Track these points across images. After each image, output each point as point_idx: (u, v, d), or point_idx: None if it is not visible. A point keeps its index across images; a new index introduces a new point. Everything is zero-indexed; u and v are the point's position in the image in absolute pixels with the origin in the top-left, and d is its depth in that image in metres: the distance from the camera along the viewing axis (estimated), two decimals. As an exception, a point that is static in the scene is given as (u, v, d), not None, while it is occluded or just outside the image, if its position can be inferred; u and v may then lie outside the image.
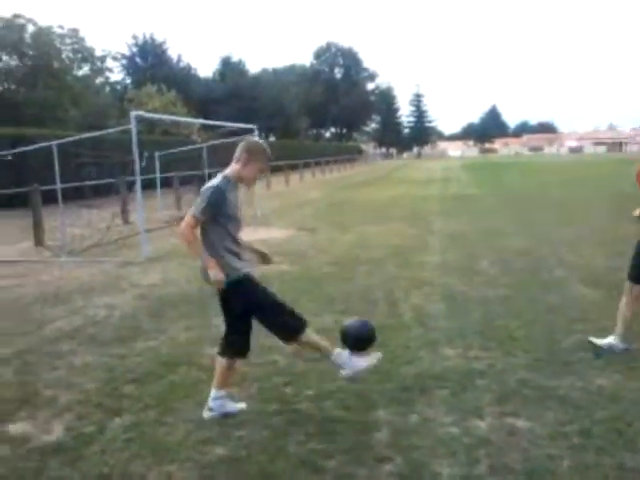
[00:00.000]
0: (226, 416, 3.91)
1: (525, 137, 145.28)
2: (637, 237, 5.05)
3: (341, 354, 3.85)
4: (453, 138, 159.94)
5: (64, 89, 38.43)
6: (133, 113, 11.00)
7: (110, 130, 17.34)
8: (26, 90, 37.23)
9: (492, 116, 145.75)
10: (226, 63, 75.99)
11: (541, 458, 3.30)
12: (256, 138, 3.99)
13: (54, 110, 36.05)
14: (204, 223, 3.69)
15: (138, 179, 10.56)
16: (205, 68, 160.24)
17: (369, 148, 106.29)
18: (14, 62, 38.46)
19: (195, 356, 5.09)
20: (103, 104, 42.98)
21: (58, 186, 11.71)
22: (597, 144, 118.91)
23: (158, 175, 17.27)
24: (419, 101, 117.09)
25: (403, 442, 3.53)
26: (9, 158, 15.70)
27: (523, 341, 5.17)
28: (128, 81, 64.49)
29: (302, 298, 6.90)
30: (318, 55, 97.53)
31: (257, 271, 3.96)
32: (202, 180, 18.21)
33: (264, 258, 4.19)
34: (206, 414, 3.92)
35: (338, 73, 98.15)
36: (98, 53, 46.35)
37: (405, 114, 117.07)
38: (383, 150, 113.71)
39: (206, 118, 28.14)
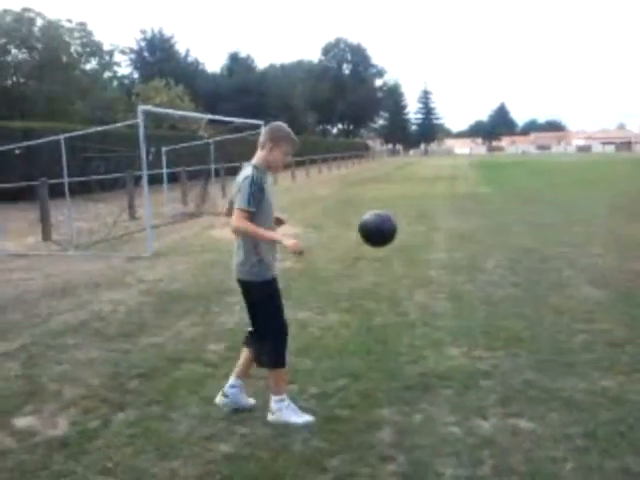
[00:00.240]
0: (236, 410, 3.92)
1: (533, 135, 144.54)
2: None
3: (283, 403, 3.79)
4: (461, 136, 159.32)
5: (72, 83, 38.56)
6: (140, 107, 11.02)
7: (117, 124, 17.37)
8: (34, 84, 37.37)
9: (500, 114, 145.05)
10: (234, 58, 75.97)
11: (544, 460, 3.30)
12: (279, 122, 3.92)
13: (62, 104, 36.18)
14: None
15: (145, 174, 10.58)
16: (213, 63, 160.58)
17: (376, 145, 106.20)
18: (23, 55, 38.60)
19: (200, 352, 5.11)
20: (111, 98, 43.08)
21: (65, 180, 11.75)
22: (605, 143, 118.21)
23: (165, 170, 17.29)
24: (427, 98, 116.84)
25: (406, 441, 3.53)
26: (17, 152, 15.76)
27: (528, 341, 5.16)
28: (136, 75, 64.56)
29: (306, 295, 6.91)
30: (326, 51, 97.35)
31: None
32: (209, 175, 18.27)
33: (278, 221, 4.07)
34: (219, 399, 3.93)
35: (346, 69, 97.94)
36: (106, 47, 46.57)
37: (413, 111, 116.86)
38: (390, 147, 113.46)
39: (213, 113, 28.11)
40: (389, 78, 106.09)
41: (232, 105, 61.78)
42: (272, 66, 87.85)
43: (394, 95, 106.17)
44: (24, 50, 38.25)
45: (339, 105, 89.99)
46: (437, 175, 34.56)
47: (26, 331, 5.87)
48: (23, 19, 37.35)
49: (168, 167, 18.04)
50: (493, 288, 7.06)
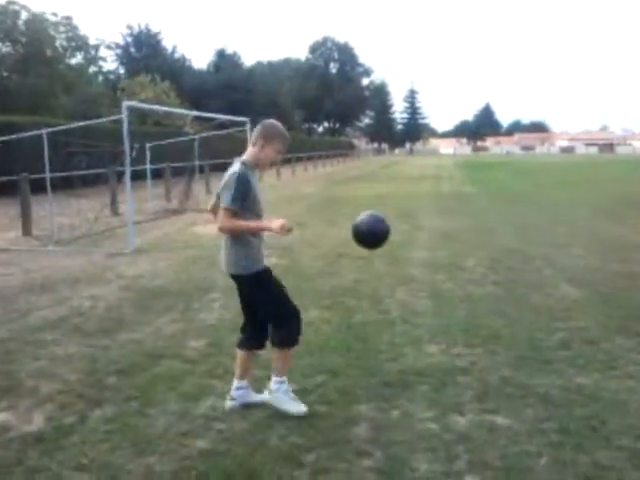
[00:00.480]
0: (247, 406, 3.92)
1: (517, 136, 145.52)
2: (624, 238, 5.04)
3: (282, 387, 3.84)
4: (446, 135, 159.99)
5: (57, 77, 38.18)
6: (125, 103, 10.94)
7: (101, 119, 17.23)
8: (18, 77, 36.94)
9: (485, 114, 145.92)
10: (221, 55, 75.65)
11: (519, 455, 3.33)
12: (272, 120, 3.90)
13: (46, 98, 35.79)
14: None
15: (128, 170, 10.51)
16: (200, 60, 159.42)
17: (361, 143, 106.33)
18: (7, 49, 38.16)
19: (179, 348, 5.10)
20: (96, 93, 42.73)
21: (47, 175, 11.64)
22: (589, 144, 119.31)
23: (149, 166, 17.19)
24: (413, 98, 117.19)
25: (383, 437, 3.55)
26: (-2, 146, 15.59)
27: (506, 339, 5.20)
28: (122, 71, 64.14)
29: (288, 292, 6.90)
30: (314, 49, 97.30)
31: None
32: (193, 172, 18.20)
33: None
34: (228, 404, 3.94)
35: (333, 68, 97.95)
36: (92, 42, 46.12)
37: (399, 110, 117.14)
38: (375, 146, 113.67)
39: (199, 110, 28.01)
40: (376, 77, 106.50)
41: (218, 102, 61.55)
42: (259, 63, 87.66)
43: (380, 94, 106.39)
44: (8, 43, 37.79)
45: (326, 103, 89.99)
46: (422, 174, 34.70)
47: (4, 326, 5.82)
48: (7, 12, 36.90)
49: (152, 163, 17.95)
50: (473, 287, 7.11)
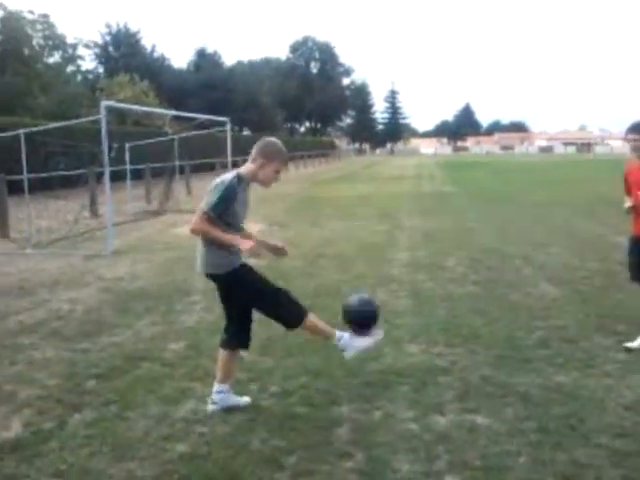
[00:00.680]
0: (229, 410, 3.89)
1: (497, 136, 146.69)
2: (603, 237, 5.11)
3: (343, 337, 3.84)
4: (427, 135, 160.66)
5: (34, 76, 37.71)
6: (103, 103, 10.85)
7: (79, 120, 17.07)
8: (-6, 76, 36.41)
9: (465, 114, 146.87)
10: (201, 54, 75.29)
11: (499, 454, 3.36)
12: (273, 139, 3.92)
13: (23, 98, 35.33)
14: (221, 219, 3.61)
15: (107, 170, 10.42)
16: (179, 59, 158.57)
17: (343, 143, 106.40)
18: (-18, 48, 37.58)
19: (159, 351, 5.06)
20: (74, 93, 42.26)
21: (25, 176, 11.49)
22: (567, 144, 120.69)
23: (128, 167, 17.05)
24: (394, 98, 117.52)
25: (364, 438, 3.56)
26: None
27: (486, 338, 5.24)
28: (100, 70, 63.52)
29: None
30: (294, 49, 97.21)
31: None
32: (173, 172, 18.08)
33: (279, 251, 4.19)
34: (209, 407, 3.91)
35: (314, 68, 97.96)
36: (70, 41, 45.62)
37: (379, 110, 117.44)
38: (356, 146, 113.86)
39: (179, 109, 27.90)
40: (356, 77, 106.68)
41: (198, 101, 61.29)
42: (239, 63, 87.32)
43: (361, 94, 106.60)
44: (-17, 42, 37.25)
45: (307, 103, 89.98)
46: (402, 174, 34.85)
47: (-20, 331, 5.72)
48: (-18, 10, 36.38)
49: (132, 164, 17.80)
50: (454, 286, 7.15)
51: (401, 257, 9.08)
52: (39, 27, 41.65)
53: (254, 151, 3.78)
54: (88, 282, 7.78)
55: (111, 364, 4.77)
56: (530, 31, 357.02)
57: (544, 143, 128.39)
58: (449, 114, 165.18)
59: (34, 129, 12.81)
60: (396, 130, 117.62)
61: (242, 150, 31.63)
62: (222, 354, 3.95)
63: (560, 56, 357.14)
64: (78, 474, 3.23)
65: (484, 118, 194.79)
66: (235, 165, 23.44)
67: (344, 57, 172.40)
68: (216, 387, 3.94)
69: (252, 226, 12.73)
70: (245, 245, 3.55)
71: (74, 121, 16.40)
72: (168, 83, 61.79)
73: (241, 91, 71.10)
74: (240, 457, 3.36)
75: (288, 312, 3.78)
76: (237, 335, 3.92)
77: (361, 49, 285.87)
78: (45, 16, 42.02)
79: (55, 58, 45.52)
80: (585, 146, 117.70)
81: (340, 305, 6.32)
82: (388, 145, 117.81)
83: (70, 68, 49.68)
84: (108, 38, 65.54)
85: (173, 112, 18.74)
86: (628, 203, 5.01)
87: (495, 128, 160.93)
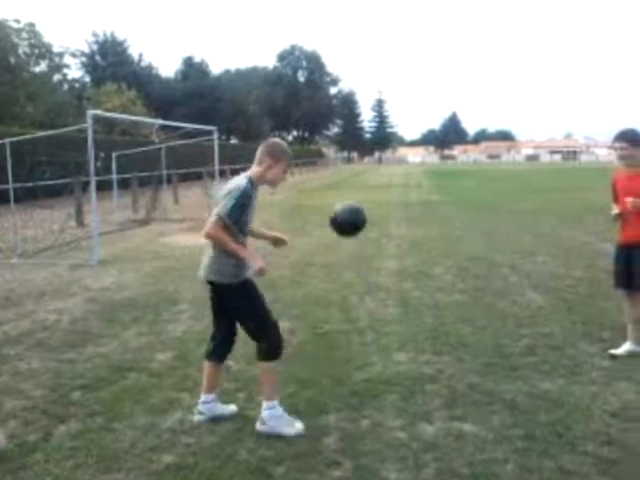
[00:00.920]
0: (216, 420, 3.88)
1: (483, 144, 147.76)
2: (589, 245, 5.15)
3: (274, 409, 3.75)
4: (414, 144, 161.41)
5: (20, 85, 37.47)
6: (89, 112, 10.82)
7: (66, 129, 16.98)
8: (-20, 85, 36.17)
9: (452, 123, 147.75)
10: (188, 63, 75.38)
11: (486, 462, 3.37)
12: (277, 139, 3.97)
13: (9, 106, 35.11)
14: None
15: (93, 180, 10.37)
16: (167, 68, 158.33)
17: (330, 152, 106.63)
18: (-33, 56, 37.33)
19: (146, 362, 5.03)
20: (60, 102, 42.05)
21: (10, 185, 11.41)
22: (553, 152, 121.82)
23: (115, 176, 16.99)
24: (381, 107, 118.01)
25: (352, 447, 3.55)
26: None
27: (473, 346, 5.26)
28: (87, 79, 63.37)
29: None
30: (282, 57, 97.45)
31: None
32: (160, 181, 18.04)
33: (279, 241, 4.19)
34: (196, 418, 3.89)
35: (301, 76, 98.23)
36: (56, 49, 45.38)
37: (367, 119, 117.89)
38: (344, 154, 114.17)
39: (166, 118, 27.87)
40: (344, 86, 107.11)
41: (186, 110, 61.34)
42: (227, 71, 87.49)
43: (349, 103, 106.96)
44: (-31, 51, 37.00)
45: (294, 112, 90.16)
46: (390, 183, 34.97)
47: (-35, 342, 5.66)
48: (-33, 19, 36.17)
49: (119, 173, 17.75)
50: (441, 294, 7.18)
51: (389, 266, 9.11)
52: (25, 36, 41.41)
53: (260, 153, 3.79)
54: (74, 292, 7.72)
55: (97, 375, 4.73)
56: (516, 41, 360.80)
57: (530, 151, 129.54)
58: (436, 123, 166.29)
59: (20, 138, 12.73)
60: (384, 139, 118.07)
61: (230, 159, 31.70)
62: (207, 365, 3.95)
63: (546, 65, 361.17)
64: (63, 486, 3.19)
65: (471, 127, 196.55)
66: (222, 174, 23.33)
67: (331, 66, 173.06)
68: (202, 397, 3.93)
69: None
70: (258, 264, 3.56)
71: (60, 130, 16.30)
72: (155, 92, 61.81)
73: (228, 100, 71.24)
74: (227, 467, 3.34)
75: (271, 342, 3.75)
76: (223, 345, 3.93)
77: (348, 58, 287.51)
78: (31, 25, 41.78)
79: (41, 67, 45.24)
80: (571, 154, 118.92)
81: (327, 314, 6.37)
82: (376, 154, 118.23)
83: (56, 77, 49.39)
84: (95, 47, 65.54)
85: (160, 121, 18.69)
86: (615, 211, 5.06)
87: (482, 137, 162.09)
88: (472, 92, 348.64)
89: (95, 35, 65.50)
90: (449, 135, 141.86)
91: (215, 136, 16.01)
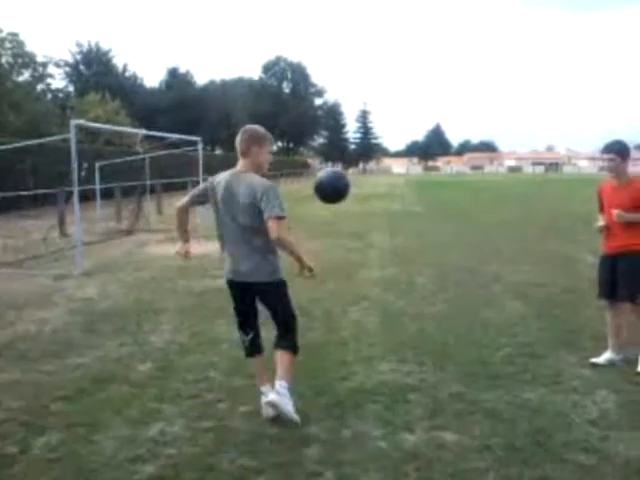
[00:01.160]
0: (197, 430, 3.86)
1: (467, 156, 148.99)
2: (571, 255, 5.21)
3: (290, 392, 3.91)
4: (398, 155, 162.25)
5: (3, 94, 37.18)
6: (73, 122, 10.77)
7: (49, 138, 16.89)
8: (-38, 95, 35.86)
9: (436, 134, 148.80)
10: (173, 74, 75.30)
11: (467, 471, 3.38)
12: (251, 126, 4.01)
13: (-8, 116, 34.82)
14: (257, 221, 3.72)
15: (76, 190, 10.32)
16: (152, 78, 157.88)
17: (315, 163, 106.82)
18: (-51, 65, 37.03)
19: (128, 372, 4.99)
20: (44, 111, 41.77)
21: (-9, 195, 11.32)
22: (535, 164, 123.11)
23: (98, 186, 16.90)
24: (365, 118, 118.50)
25: (334, 457, 3.55)
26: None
27: (455, 356, 5.29)
28: (71, 89, 63.08)
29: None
30: (267, 68, 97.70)
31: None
32: (143, 191, 17.96)
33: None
34: (271, 411, 3.96)
35: (286, 87, 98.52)
36: (39, 59, 45.13)
37: (352, 130, 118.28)
38: (329, 165, 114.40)
39: (151, 128, 27.71)
40: (329, 97, 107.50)
41: (171, 120, 61.22)
42: (212, 82, 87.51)
43: (333, 114, 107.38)
44: (-50, 60, 36.72)
45: (279, 123, 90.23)
46: (375, 193, 35.06)
47: (-57, 353, 5.58)
48: (-50, 27, 35.82)
49: (103, 183, 17.66)
50: (424, 304, 7.21)
51: (372, 275, 9.13)
52: (8, 45, 41.17)
53: (244, 145, 3.83)
54: (56, 302, 7.66)
55: (78, 386, 4.69)
56: (499, 54, 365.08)
57: (513, 163, 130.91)
58: (420, 134, 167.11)
59: (2, 148, 12.64)
60: (368, 150, 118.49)
61: (214, 169, 31.69)
62: (256, 360, 4.18)
63: (530, 78, 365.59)
64: (42, 499, 3.16)
65: (454, 138, 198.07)
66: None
67: (316, 77, 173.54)
68: (268, 387, 4.03)
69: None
70: (309, 264, 3.87)
71: (44, 140, 16.20)
72: (140, 102, 61.66)
73: (213, 110, 71.25)
74: (208, 478, 3.33)
75: (295, 338, 4.04)
76: (258, 339, 4.17)
77: (333, 70, 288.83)
78: (14, 34, 41.58)
79: (25, 76, 44.96)
80: (553, 166, 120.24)
81: (310, 324, 6.36)
82: (361, 165, 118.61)
83: (40, 86, 49.08)
84: (79, 57, 65.30)
85: (144, 131, 18.61)
86: (601, 222, 5.11)
87: (465, 148, 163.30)
88: (456, 103, 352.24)
89: (79, 45, 65.32)
90: (433, 146, 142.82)
91: (200, 146, 16.01)
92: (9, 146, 13.72)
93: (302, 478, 3.33)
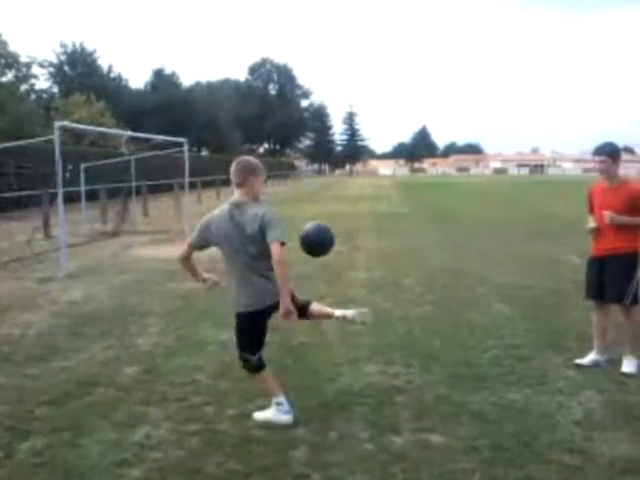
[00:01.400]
0: (183, 433, 3.83)
1: (452, 158, 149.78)
2: (556, 257, 5.26)
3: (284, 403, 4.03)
4: (384, 157, 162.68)
5: (-14, 96, 36.84)
6: (57, 123, 10.70)
7: (33, 140, 16.73)
8: (-57, 95, 35.46)
9: (422, 136, 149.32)
10: (158, 75, 74.89)
11: (454, 472, 3.40)
12: (244, 157, 4.17)
13: (-26, 117, 34.47)
14: (265, 247, 3.79)
15: (60, 191, 10.24)
16: (137, 79, 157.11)
17: (302, 164, 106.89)
18: None
19: (114, 376, 4.96)
20: (28, 112, 41.41)
21: (-26, 197, 11.21)
22: (520, 166, 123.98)
23: (83, 188, 16.78)
24: (352, 119, 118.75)
25: (321, 459, 3.55)
26: None
27: (442, 357, 5.31)
28: (55, 90, 62.58)
29: (227, 315, 6.83)
30: (253, 70, 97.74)
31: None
32: (129, 193, 17.85)
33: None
34: (289, 417, 4.04)
35: (272, 89, 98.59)
36: (23, 59, 44.76)
37: (338, 132, 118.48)
38: (316, 167, 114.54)
39: (136, 130, 27.57)
40: (315, 99, 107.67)
41: (156, 122, 60.81)
42: (198, 83, 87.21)
43: (320, 116, 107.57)
44: None
45: (266, 124, 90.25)
46: (361, 195, 35.15)
47: None
48: None
49: (88, 184, 17.53)
50: (410, 306, 7.24)
51: (359, 277, 9.15)
52: (-10, 45, 40.82)
53: (239, 177, 3.95)
54: (41, 305, 7.59)
55: (63, 389, 4.65)
56: (484, 56, 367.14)
57: (498, 165, 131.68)
58: (406, 136, 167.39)
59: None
60: (354, 151, 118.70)
61: (200, 171, 31.54)
62: (268, 373, 4.14)
63: (514, 80, 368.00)
64: (26, 504, 3.13)
65: (440, 140, 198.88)
66: (193, 186, 22.97)
67: (303, 79, 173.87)
68: (282, 398, 4.04)
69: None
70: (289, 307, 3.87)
71: (27, 141, 16.06)
72: (125, 103, 61.31)
73: (199, 112, 70.97)
74: (195, 482, 3.31)
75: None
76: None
77: (319, 71, 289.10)
78: (-4, 34, 41.22)
79: (8, 77, 44.57)
80: (538, 168, 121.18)
81: (298, 326, 6.35)
82: (347, 166, 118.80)
83: (24, 87, 48.66)
84: (63, 57, 64.76)
85: (129, 133, 18.51)
86: (592, 224, 5.14)
87: (451, 150, 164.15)
88: (442, 105, 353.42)
89: (63, 46, 64.76)
90: (419, 148, 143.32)
91: (185, 148, 15.95)
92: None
93: (289, 481, 3.33)
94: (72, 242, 12.87)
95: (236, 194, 3.98)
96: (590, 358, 5.13)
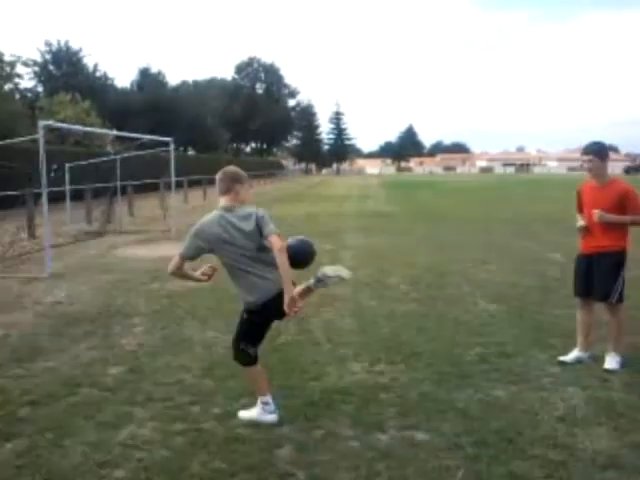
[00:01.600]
0: (169, 433, 3.83)
1: (439, 157, 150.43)
2: (540, 255, 5.29)
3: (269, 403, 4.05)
4: (371, 156, 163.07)
5: (-31, 95, 36.48)
6: (41, 122, 10.61)
7: (18, 139, 16.57)
8: None
9: (409, 135, 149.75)
10: (144, 74, 74.54)
11: (438, 469, 3.42)
12: (229, 167, 4.24)
13: (-42, 116, 34.07)
14: (262, 243, 3.95)
15: (44, 191, 10.16)
16: (123, 78, 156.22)
17: (289, 164, 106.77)
18: None
19: (98, 376, 4.93)
20: (12, 111, 41.02)
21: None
22: (506, 165, 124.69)
23: (68, 187, 16.65)
24: (339, 119, 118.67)
25: (306, 458, 3.56)
26: None
27: (427, 355, 5.33)
28: (40, 89, 62.08)
29: (213, 314, 6.85)
30: (240, 69, 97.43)
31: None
32: (114, 193, 17.74)
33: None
34: (274, 416, 4.05)
35: (260, 88, 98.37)
36: (7, 58, 44.38)
37: (325, 131, 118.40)
38: (303, 166, 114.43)
39: (123, 129, 27.44)
40: (302, 98, 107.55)
41: (143, 121, 60.53)
42: (184, 83, 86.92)
43: (307, 115, 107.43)
44: None
45: (252, 124, 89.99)
46: (348, 194, 35.18)
47: None
48: None
49: (73, 184, 17.40)
50: (396, 304, 7.26)
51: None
52: (-26, 44, 40.47)
53: (225, 185, 4.07)
54: (24, 306, 7.53)
55: (46, 390, 4.61)
56: (470, 55, 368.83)
57: (484, 164, 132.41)
58: (393, 135, 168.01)
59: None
60: (341, 151, 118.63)
61: (187, 170, 31.42)
62: (260, 368, 4.13)
63: (500, 79, 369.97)
64: (9, 506, 3.11)
65: (427, 138, 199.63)
66: (179, 185, 22.87)
67: (289, 78, 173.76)
68: (268, 398, 4.04)
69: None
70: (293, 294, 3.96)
71: (12, 140, 15.89)
72: (111, 102, 60.97)
73: (186, 111, 70.73)
74: (179, 481, 3.30)
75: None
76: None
77: (306, 71, 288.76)
78: (-20, 33, 40.87)
79: (-8, 76, 44.20)
80: (524, 167, 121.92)
81: (283, 325, 6.34)
82: (334, 165, 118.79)
83: (8, 86, 48.24)
84: (48, 56, 64.25)
85: (114, 132, 18.41)
86: (581, 222, 5.18)
87: (438, 149, 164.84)
88: (428, 105, 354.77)
89: (48, 44, 64.25)
90: (406, 147, 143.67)
91: (171, 147, 15.88)
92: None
93: (274, 479, 3.32)
94: (57, 242, 12.79)
95: (223, 200, 4.07)
96: (573, 355, 5.17)
